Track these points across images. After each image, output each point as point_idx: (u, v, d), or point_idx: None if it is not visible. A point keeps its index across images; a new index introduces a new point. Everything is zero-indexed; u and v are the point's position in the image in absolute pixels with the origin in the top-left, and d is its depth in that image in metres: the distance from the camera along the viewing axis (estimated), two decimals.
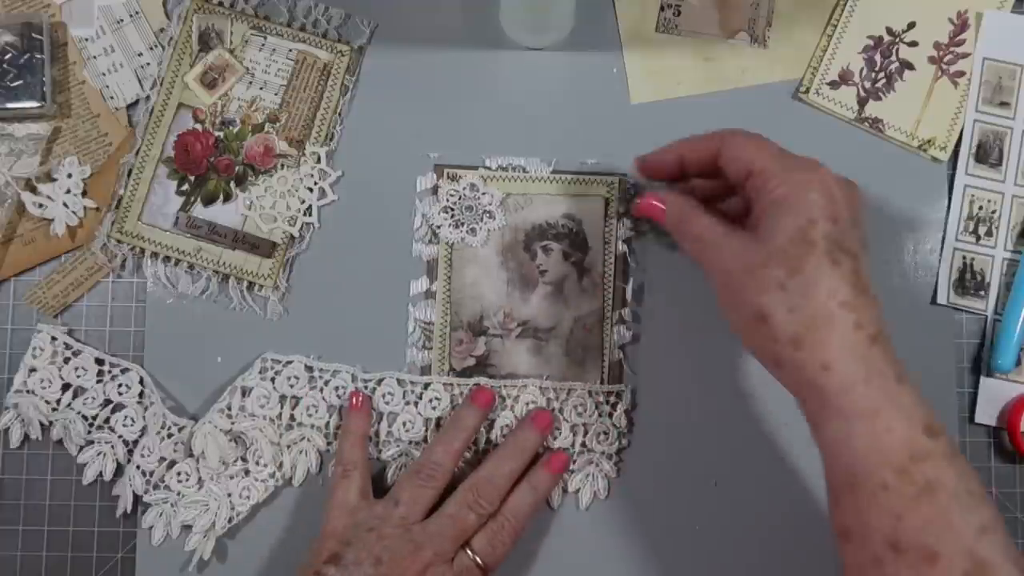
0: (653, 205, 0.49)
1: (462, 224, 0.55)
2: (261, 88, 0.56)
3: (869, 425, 0.40)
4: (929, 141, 0.56)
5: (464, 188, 0.55)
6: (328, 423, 0.54)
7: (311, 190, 0.55)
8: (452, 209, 0.55)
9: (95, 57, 0.56)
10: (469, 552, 0.49)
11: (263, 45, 0.56)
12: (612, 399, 0.54)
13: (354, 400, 0.53)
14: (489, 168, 0.55)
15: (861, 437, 0.40)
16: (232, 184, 0.55)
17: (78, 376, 0.54)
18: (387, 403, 0.54)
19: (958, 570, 0.38)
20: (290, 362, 0.54)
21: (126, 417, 0.53)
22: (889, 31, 0.57)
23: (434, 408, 0.54)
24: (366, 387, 0.54)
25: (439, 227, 0.55)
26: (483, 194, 0.55)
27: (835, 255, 0.41)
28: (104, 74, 0.56)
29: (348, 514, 0.49)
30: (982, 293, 0.56)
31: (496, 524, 0.50)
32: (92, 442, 0.53)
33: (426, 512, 0.49)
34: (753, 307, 0.42)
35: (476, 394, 0.53)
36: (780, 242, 0.42)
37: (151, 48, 0.56)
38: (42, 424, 0.53)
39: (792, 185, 0.43)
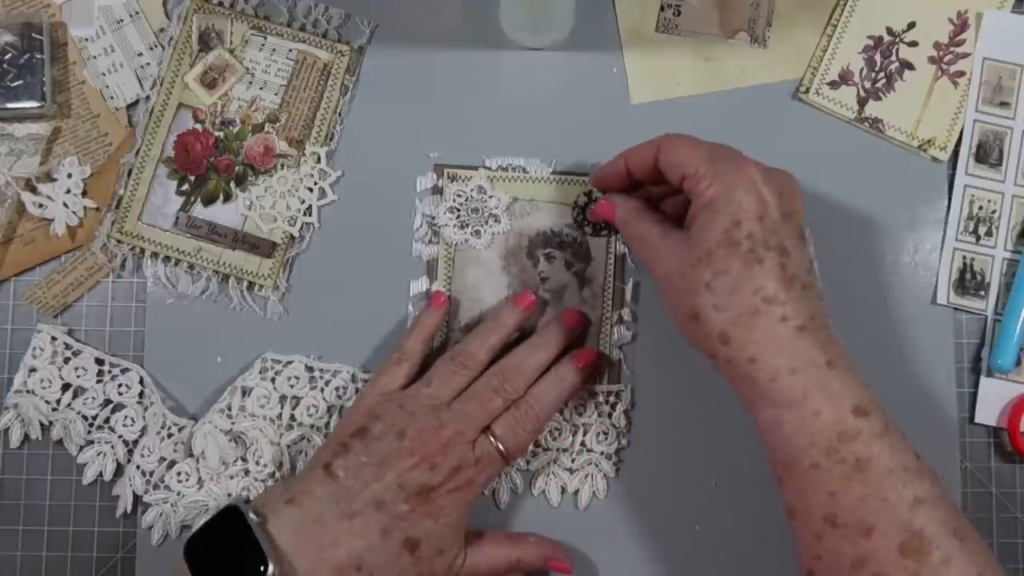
0: (606, 207, 0.51)
1: (467, 225, 0.55)
2: (261, 88, 0.56)
3: (798, 411, 0.43)
4: (929, 141, 0.56)
5: (472, 190, 0.55)
6: (328, 423, 0.54)
7: (311, 190, 0.55)
8: (458, 210, 0.55)
9: (95, 57, 0.56)
10: (491, 438, 0.49)
11: (263, 45, 0.56)
12: (611, 399, 0.54)
13: (435, 299, 0.54)
14: (489, 168, 0.55)
15: (791, 423, 0.43)
16: (232, 184, 0.55)
17: (78, 376, 0.54)
18: None
19: (893, 541, 0.41)
20: (290, 362, 0.54)
21: (126, 417, 0.53)
22: (889, 31, 0.57)
23: None
24: None
25: (443, 227, 0.55)
26: (490, 197, 0.55)
27: (759, 253, 0.44)
28: (104, 74, 0.56)
29: (383, 394, 0.50)
30: (982, 293, 0.56)
31: (519, 410, 0.50)
32: (92, 442, 0.53)
33: (455, 396, 0.50)
34: (687, 306, 0.45)
35: (520, 297, 0.53)
36: (708, 244, 0.44)
37: (151, 48, 0.56)
38: (42, 424, 0.53)
39: (720, 186, 0.45)
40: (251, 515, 0.45)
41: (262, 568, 0.43)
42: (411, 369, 0.51)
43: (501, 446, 0.49)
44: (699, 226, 0.45)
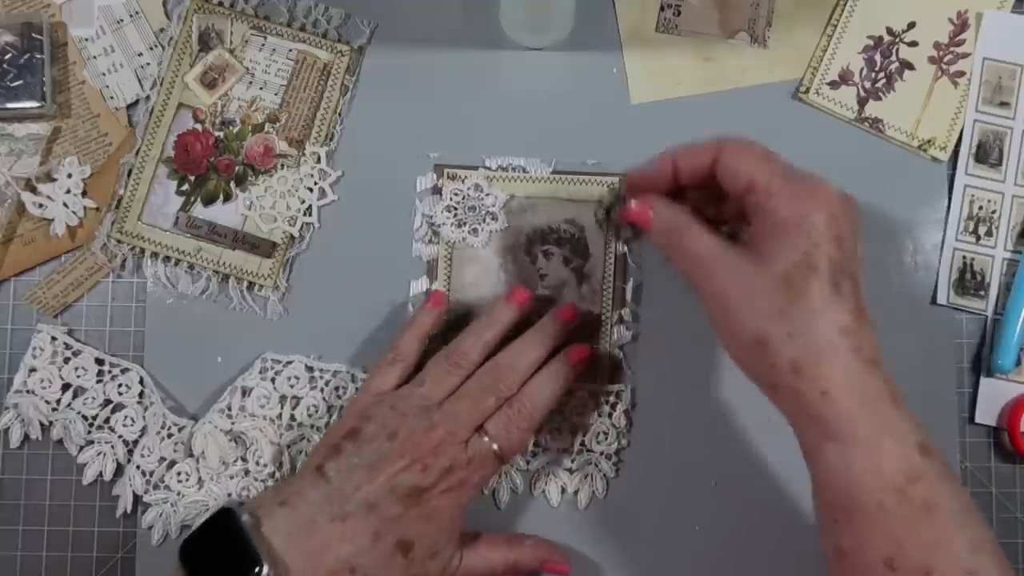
0: (641, 211, 0.47)
1: (464, 224, 0.55)
2: (261, 88, 0.56)
3: (867, 449, 0.41)
4: (929, 141, 0.56)
5: (468, 188, 0.55)
6: (328, 423, 0.54)
7: (311, 190, 0.55)
8: (455, 208, 0.55)
9: (95, 57, 0.56)
10: (485, 437, 0.48)
11: (263, 45, 0.56)
12: (612, 399, 0.54)
13: (434, 298, 0.53)
14: (489, 168, 0.55)
15: (859, 461, 0.41)
16: (232, 184, 0.55)
17: (78, 376, 0.54)
18: None
19: None
20: (290, 362, 0.54)
21: (126, 417, 0.53)
22: (889, 31, 0.57)
23: None
24: None
25: (441, 226, 0.55)
26: (487, 195, 0.55)
27: (837, 280, 0.42)
28: (104, 74, 0.56)
29: (376, 395, 0.50)
30: (982, 293, 0.56)
31: (512, 409, 0.49)
32: (92, 442, 0.53)
33: (448, 395, 0.49)
34: (752, 332, 0.42)
35: (514, 292, 0.52)
36: (783, 266, 0.42)
37: (151, 48, 0.56)
38: (42, 424, 0.53)
39: (795, 207, 0.43)
40: (245, 517, 0.45)
41: (256, 570, 0.43)
42: (405, 369, 0.51)
43: (495, 445, 0.48)
44: (770, 246, 0.42)
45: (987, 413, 0.55)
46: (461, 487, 0.47)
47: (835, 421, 0.41)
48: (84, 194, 0.55)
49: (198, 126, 0.55)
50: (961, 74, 0.57)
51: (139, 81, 0.56)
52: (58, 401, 0.54)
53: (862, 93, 0.56)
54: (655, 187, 0.48)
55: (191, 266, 0.55)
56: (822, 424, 0.41)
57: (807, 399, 0.41)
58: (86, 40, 0.56)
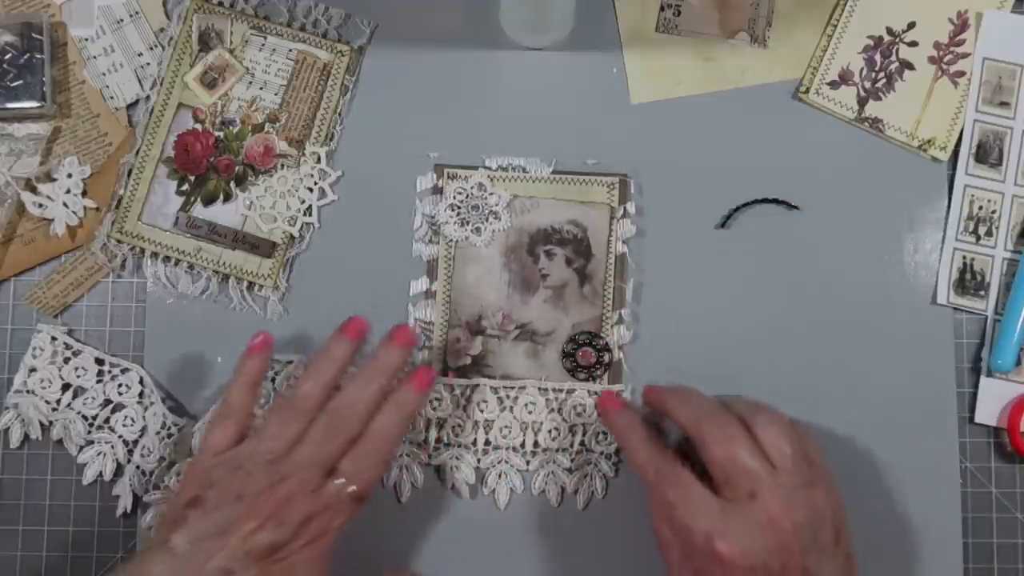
0: (612, 400, 0.52)
1: (467, 223, 0.55)
2: (261, 88, 0.56)
3: None
4: (929, 141, 0.56)
5: (472, 187, 0.55)
6: None
7: (311, 190, 0.55)
8: (458, 207, 0.55)
9: (95, 57, 0.56)
10: (338, 480, 0.46)
11: (263, 45, 0.56)
12: None
13: (257, 340, 0.50)
14: (489, 168, 0.55)
15: None
16: (232, 184, 0.55)
17: (78, 376, 0.54)
18: None
19: None
20: (290, 362, 0.54)
21: (126, 417, 0.54)
22: (889, 31, 0.57)
23: (435, 408, 0.54)
24: None
25: (444, 223, 0.55)
26: (490, 194, 0.55)
27: None
28: (104, 74, 0.56)
29: (215, 456, 0.47)
30: (982, 293, 0.56)
31: (361, 447, 0.47)
32: (92, 442, 0.53)
33: (292, 444, 0.47)
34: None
35: (347, 325, 0.50)
36: None
37: (151, 48, 0.56)
38: (42, 424, 0.53)
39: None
40: None
41: None
42: (240, 423, 0.48)
43: (351, 487, 0.46)
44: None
45: (987, 413, 0.55)
46: (322, 536, 0.46)
47: None
48: (84, 194, 0.55)
49: (198, 126, 0.55)
50: (961, 74, 0.57)
51: (139, 81, 0.56)
52: (58, 401, 0.54)
53: (862, 93, 0.56)
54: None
55: (191, 266, 0.55)
56: None
57: None
58: (86, 40, 0.56)
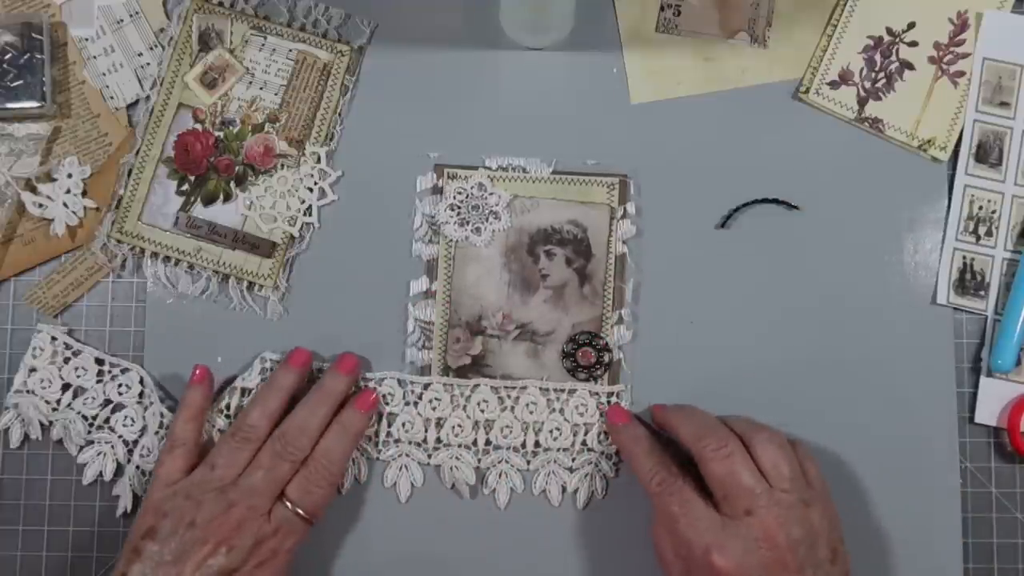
0: (620, 414, 0.53)
1: (467, 223, 0.55)
2: (261, 88, 0.56)
3: None
4: (929, 141, 0.56)
5: (472, 187, 0.55)
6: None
7: (311, 190, 0.55)
8: (458, 207, 0.55)
9: (95, 57, 0.56)
10: (287, 503, 0.48)
11: (263, 45, 0.56)
12: (612, 399, 0.54)
13: (196, 373, 0.52)
14: (489, 168, 0.55)
15: None
16: (232, 184, 0.55)
17: (78, 376, 0.54)
18: (387, 403, 0.54)
19: None
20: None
21: (126, 417, 0.53)
22: (889, 31, 0.57)
23: (434, 409, 0.54)
24: (367, 387, 0.54)
25: (444, 223, 0.55)
26: (490, 194, 0.55)
27: None
28: (104, 74, 0.56)
29: (167, 487, 0.49)
30: (982, 293, 0.56)
31: (308, 469, 0.49)
32: (92, 442, 0.53)
33: (242, 471, 0.49)
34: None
35: (293, 355, 0.52)
36: None
37: (151, 48, 0.56)
38: (42, 424, 0.53)
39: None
40: None
41: None
42: (188, 453, 0.50)
43: (299, 510, 0.48)
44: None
45: (987, 413, 0.55)
46: (273, 558, 0.48)
47: None
48: (84, 194, 0.55)
49: (198, 126, 0.55)
50: (961, 74, 0.57)
51: (139, 81, 0.56)
52: (58, 401, 0.54)
53: (862, 93, 0.56)
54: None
55: (191, 266, 0.55)
56: None
57: None
58: (86, 40, 0.56)
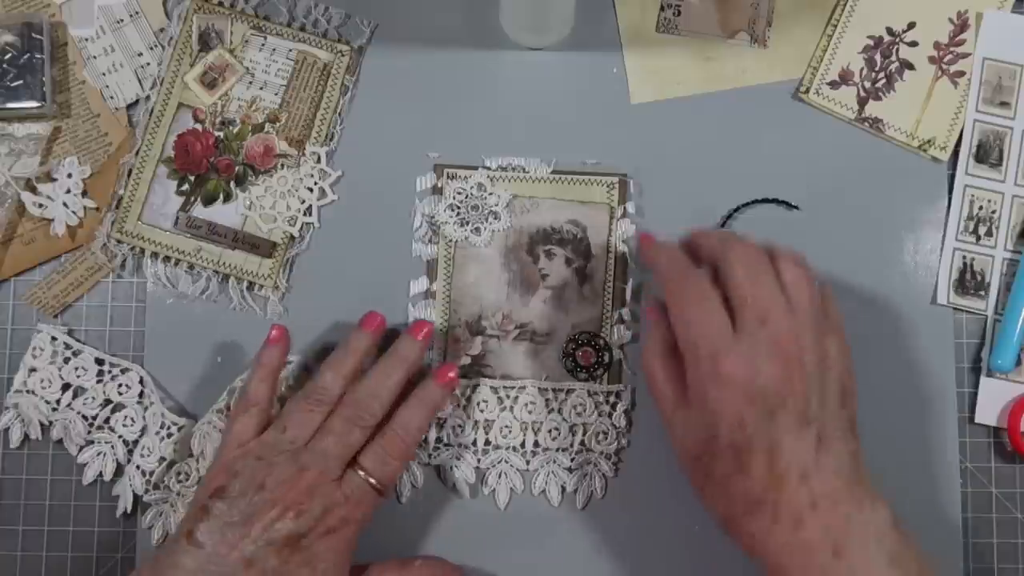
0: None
1: (467, 223, 0.55)
2: (261, 88, 0.56)
3: None
4: (929, 141, 0.56)
5: (471, 187, 0.55)
6: None
7: (311, 190, 0.55)
8: (458, 207, 0.55)
9: (95, 57, 0.56)
10: (359, 471, 0.47)
11: (263, 45, 0.56)
12: (611, 399, 0.54)
13: (272, 333, 0.52)
14: (489, 168, 0.55)
15: None
16: (232, 184, 0.55)
17: (78, 376, 0.54)
18: None
19: None
20: (289, 362, 0.54)
21: (126, 417, 0.54)
22: (889, 31, 0.57)
23: None
24: None
25: (443, 223, 0.55)
26: (490, 194, 0.55)
27: (742, 460, 0.44)
28: (104, 74, 0.56)
29: (239, 446, 0.48)
30: (982, 293, 0.56)
31: (384, 439, 0.48)
32: (92, 442, 0.53)
33: (313, 435, 0.48)
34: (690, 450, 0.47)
35: (367, 318, 0.52)
36: (692, 444, 0.46)
37: (151, 48, 0.56)
38: (42, 424, 0.53)
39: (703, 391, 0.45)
40: None
41: None
42: (262, 413, 0.49)
43: (371, 479, 0.47)
44: (694, 412, 0.46)
45: (987, 413, 0.55)
46: (343, 526, 0.46)
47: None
48: (84, 194, 0.55)
49: (198, 126, 0.55)
50: (961, 74, 0.57)
51: (139, 81, 0.56)
52: (58, 401, 0.54)
53: (862, 93, 0.56)
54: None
55: (191, 266, 0.55)
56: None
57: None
58: (86, 40, 0.56)
